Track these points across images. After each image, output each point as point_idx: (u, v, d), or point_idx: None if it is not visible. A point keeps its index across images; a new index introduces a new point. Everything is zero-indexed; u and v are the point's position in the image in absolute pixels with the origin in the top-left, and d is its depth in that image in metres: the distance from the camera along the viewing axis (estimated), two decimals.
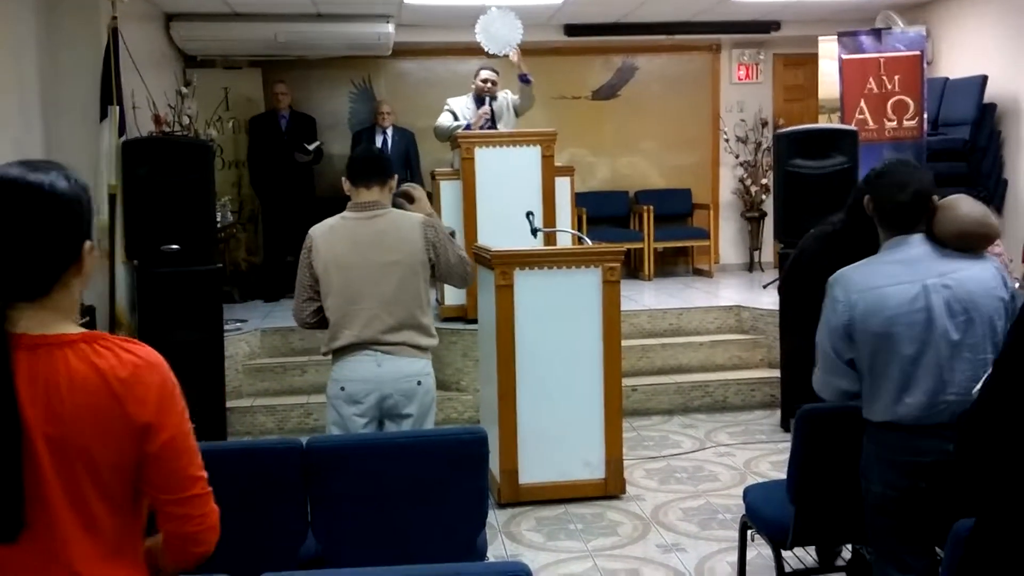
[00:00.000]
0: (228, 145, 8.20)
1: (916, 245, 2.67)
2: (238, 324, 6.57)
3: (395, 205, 3.62)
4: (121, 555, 1.62)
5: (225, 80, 8.40)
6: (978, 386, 2.04)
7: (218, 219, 6.91)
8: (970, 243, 2.65)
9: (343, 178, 3.55)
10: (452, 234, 3.66)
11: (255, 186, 8.11)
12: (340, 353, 3.43)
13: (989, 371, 2.02)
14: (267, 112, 8.12)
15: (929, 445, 2.58)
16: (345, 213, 3.51)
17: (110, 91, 5.56)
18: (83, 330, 1.60)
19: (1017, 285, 5.66)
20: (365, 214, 3.46)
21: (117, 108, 5.58)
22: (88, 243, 1.60)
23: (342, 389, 3.41)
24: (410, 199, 3.69)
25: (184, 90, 7.07)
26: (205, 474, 1.68)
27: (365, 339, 3.38)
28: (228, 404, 5.70)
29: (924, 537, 2.65)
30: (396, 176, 3.59)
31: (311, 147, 7.80)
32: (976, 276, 2.60)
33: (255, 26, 7.75)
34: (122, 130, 5.63)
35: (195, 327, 5.37)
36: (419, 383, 3.43)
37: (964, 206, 2.67)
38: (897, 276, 2.63)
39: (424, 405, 3.46)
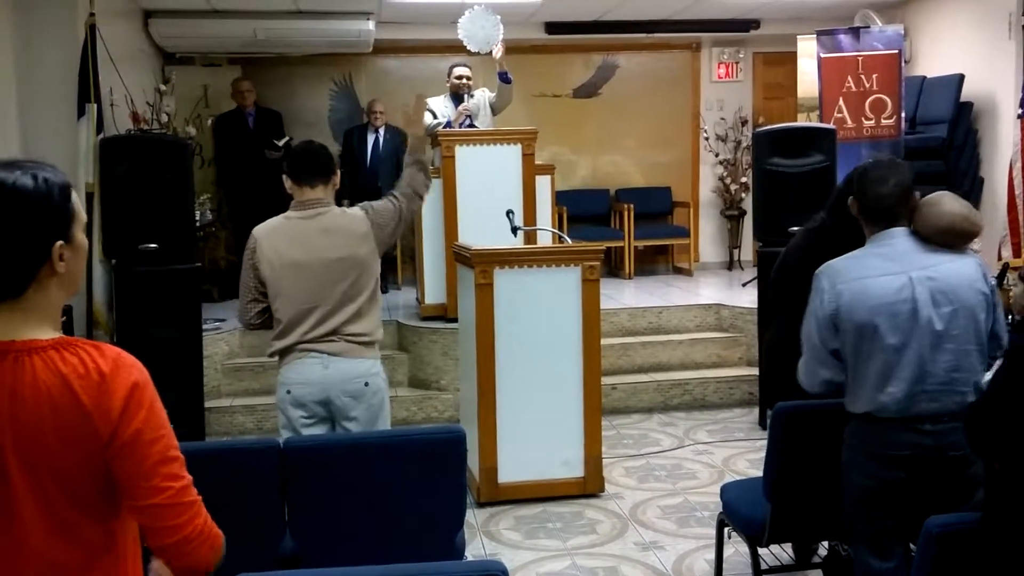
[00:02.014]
0: (207, 143, 8.14)
1: (900, 239, 2.71)
2: (217, 323, 6.54)
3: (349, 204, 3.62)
4: (101, 563, 1.59)
5: (204, 77, 8.35)
6: (989, 375, 2.05)
7: (197, 217, 6.88)
8: (953, 239, 2.70)
9: (283, 176, 3.47)
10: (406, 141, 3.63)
11: (223, 185, 8.01)
12: (286, 354, 3.36)
13: (997, 363, 2.04)
14: (233, 110, 7.98)
15: (907, 438, 2.62)
16: (288, 213, 3.44)
17: (88, 88, 5.51)
18: (56, 335, 1.57)
19: (994, 281, 5.73)
20: (309, 212, 3.39)
21: (95, 106, 5.54)
22: (59, 243, 1.55)
23: (288, 392, 3.34)
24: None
25: (163, 87, 7.03)
26: (187, 480, 1.62)
27: (312, 339, 3.31)
28: (207, 404, 5.67)
29: (904, 527, 2.68)
30: (339, 173, 3.52)
31: (280, 143, 7.72)
32: (959, 270, 2.65)
33: (234, 23, 7.70)
34: (100, 128, 5.59)
35: (173, 326, 5.34)
36: (366, 384, 3.35)
37: (947, 203, 2.72)
38: (882, 268, 2.67)
39: (373, 406, 3.37)
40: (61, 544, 1.55)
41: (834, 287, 2.70)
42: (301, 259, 3.34)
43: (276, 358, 3.45)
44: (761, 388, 5.83)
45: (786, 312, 3.62)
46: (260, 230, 3.43)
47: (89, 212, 5.47)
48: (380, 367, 3.45)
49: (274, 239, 3.39)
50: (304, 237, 3.37)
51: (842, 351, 2.73)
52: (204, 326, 5.75)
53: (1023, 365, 1.81)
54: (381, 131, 8.07)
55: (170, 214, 5.29)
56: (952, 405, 2.59)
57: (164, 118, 6.74)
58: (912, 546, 2.60)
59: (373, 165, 7.91)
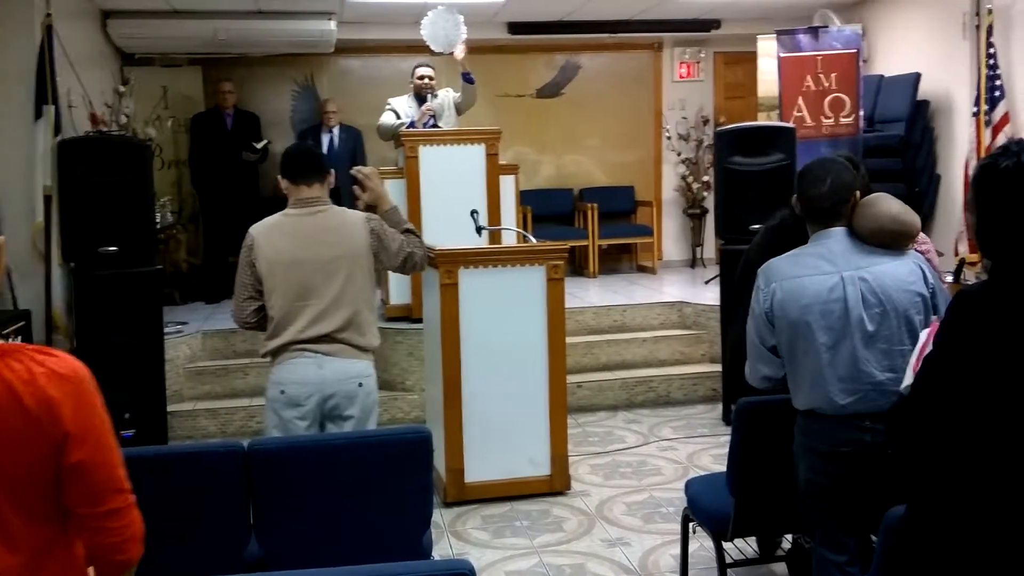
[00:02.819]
0: (167, 144, 8.07)
1: (837, 239, 2.76)
2: (179, 327, 6.48)
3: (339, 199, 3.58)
4: (42, 567, 1.58)
5: (164, 78, 8.26)
6: (906, 381, 2.10)
7: (158, 220, 6.81)
8: (886, 239, 2.73)
9: (279, 177, 3.48)
10: (395, 209, 3.60)
11: (197, 185, 7.97)
12: (279, 353, 3.35)
13: (916, 367, 2.08)
14: (211, 110, 7.98)
15: (847, 435, 2.67)
16: (287, 210, 3.45)
17: (45, 90, 5.45)
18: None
19: (949, 279, 5.80)
20: (307, 210, 3.41)
21: (52, 107, 5.48)
22: None
23: (282, 392, 3.33)
24: (363, 187, 3.56)
25: (122, 89, 6.96)
26: (128, 485, 1.65)
27: (306, 339, 3.31)
28: (169, 408, 5.62)
29: (854, 519, 2.73)
30: (333, 172, 3.53)
31: (259, 145, 7.70)
32: (892, 271, 2.68)
33: (194, 23, 7.63)
34: (58, 130, 5.53)
35: (134, 330, 5.28)
36: (360, 384, 3.38)
37: (882, 204, 2.76)
38: (817, 267, 2.72)
39: (366, 407, 3.40)
40: (2, 549, 1.54)
41: (768, 285, 2.77)
42: (298, 256, 3.34)
43: (268, 359, 3.43)
44: (724, 384, 5.89)
45: (747, 310, 3.67)
46: (257, 228, 3.44)
47: (47, 215, 5.41)
48: (373, 370, 3.47)
49: (272, 236, 3.39)
50: (302, 234, 3.38)
51: (779, 348, 2.79)
52: (166, 329, 5.70)
53: (941, 367, 1.84)
54: (335, 131, 8.05)
55: (130, 217, 5.24)
56: (888, 405, 2.61)
57: (123, 119, 6.68)
58: (873, 538, 2.65)
59: (329, 164, 7.86)
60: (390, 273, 6.31)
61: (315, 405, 3.33)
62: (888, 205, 2.76)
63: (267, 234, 3.40)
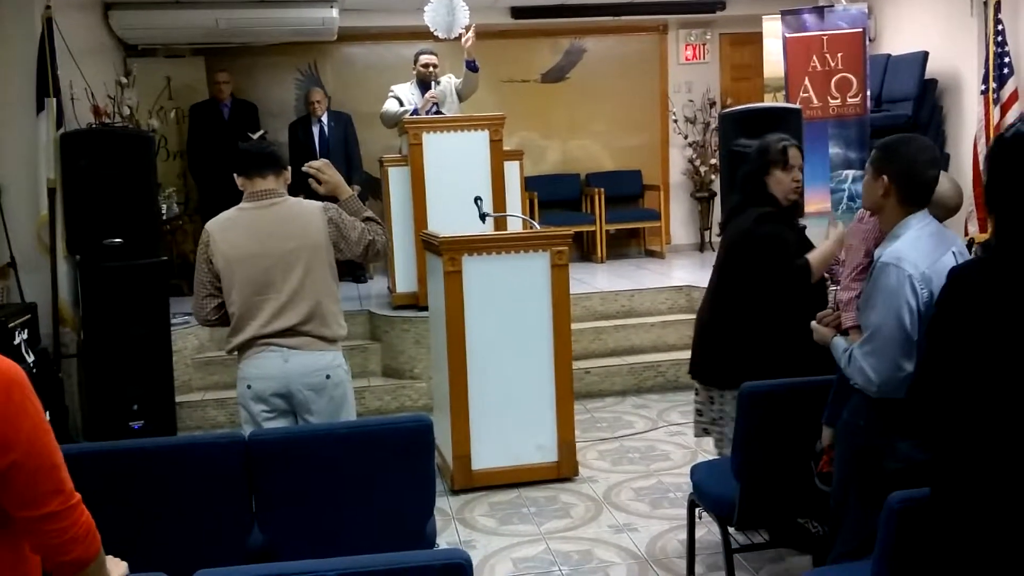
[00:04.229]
0: (172, 135, 8.05)
1: (928, 217, 2.63)
2: (186, 317, 6.46)
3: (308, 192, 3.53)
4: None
5: (167, 69, 8.24)
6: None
7: (163, 211, 6.82)
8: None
9: (235, 175, 3.42)
10: (361, 196, 3.54)
11: (195, 176, 7.93)
12: (244, 349, 3.31)
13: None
14: (208, 100, 7.94)
15: None
16: (242, 204, 3.39)
17: (46, 83, 5.43)
18: None
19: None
20: (263, 203, 3.35)
21: (54, 100, 5.46)
22: None
23: (249, 387, 3.30)
24: (318, 180, 3.49)
25: (124, 80, 6.93)
26: (68, 485, 1.62)
27: (270, 333, 3.26)
28: (177, 399, 5.63)
29: None
30: (289, 168, 3.46)
31: (255, 136, 7.67)
32: (962, 246, 2.66)
33: (196, 13, 7.60)
34: (60, 122, 5.51)
35: (141, 321, 5.30)
36: (328, 376, 3.31)
37: (942, 180, 2.74)
38: (938, 247, 2.57)
39: (335, 399, 3.34)
40: None
41: (921, 274, 2.51)
42: (255, 249, 3.29)
43: (235, 354, 3.40)
44: None
45: (730, 293, 3.66)
46: (213, 223, 3.40)
47: (51, 208, 5.40)
48: (342, 359, 3.42)
49: (228, 231, 3.35)
50: (258, 227, 3.33)
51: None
52: (173, 320, 5.70)
53: (945, 347, 1.81)
54: (324, 119, 7.96)
55: (134, 208, 5.25)
56: None
57: (126, 111, 6.65)
58: None
59: (323, 154, 7.81)
60: (396, 262, 6.35)
61: (282, 399, 3.30)
62: (946, 181, 2.76)
63: (222, 229, 3.35)
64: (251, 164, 3.39)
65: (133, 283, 5.27)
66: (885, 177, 2.59)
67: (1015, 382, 1.73)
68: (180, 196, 7.80)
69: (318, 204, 3.42)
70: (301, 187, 3.58)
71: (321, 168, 3.51)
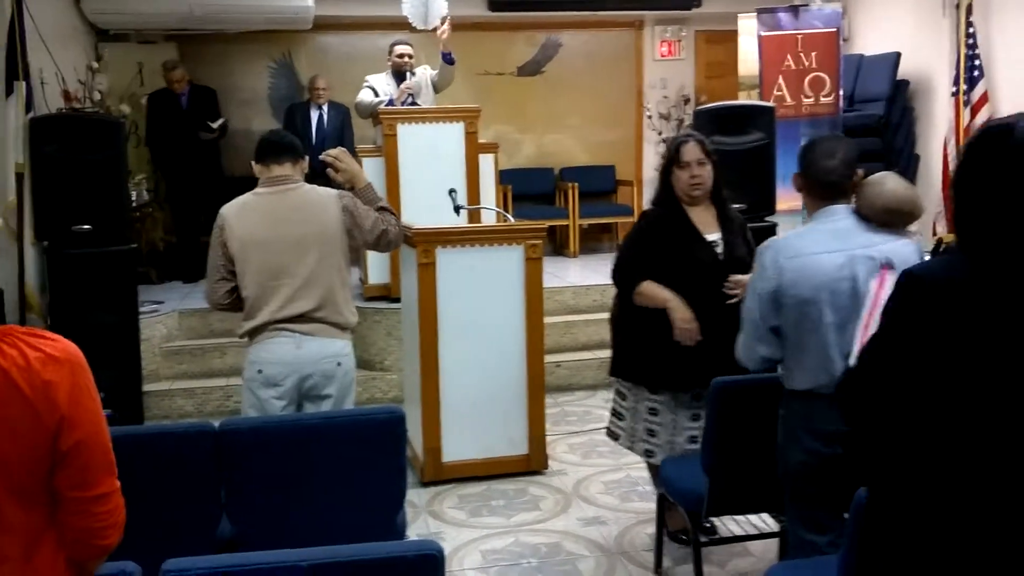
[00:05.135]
0: (143, 121, 7.94)
1: (843, 216, 2.73)
2: (155, 306, 6.43)
3: (318, 180, 3.55)
4: (37, 552, 1.58)
5: (140, 55, 8.14)
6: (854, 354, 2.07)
7: (133, 198, 6.74)
8: (894, 219, 2.73)
9: (252, 162, 3.44)
10: (370, 186, 3.56)
11: (159, 165, 7.79)
12: (257, 333, 3.32)
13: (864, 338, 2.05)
14: (165, 89, 7.72)
15: None
16: (257, 189, 3.41)
17: (16, 66, 5.34)
18: None
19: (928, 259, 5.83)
20: (278, 188, 3.37)
21: (24, 84, 5.38)
22: None
23: (259, 372, 3.31)
24: (335, 169, 3.52)
25: (95, 65, 6.86)
26: (116, 470, 1.65)
27: (283, 318, 3.28)
28: (145, 388, 5.59)
29: (840, 500, 2.72)
30: (307, 159, 3.49)
31: (215, 124, 7.55)
32: (898, 250, 2.66)
33: None
34: (29, 107, 5.43)
35: (109, 309, 5.24)
36: (339, 364, 3.36)
37: (889, 183, 2.76)
38: (826, 244, 2.69)
39: (344, 386, 3.39)
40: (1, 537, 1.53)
41: (776, 263, 2.71)
42: (270, 234, 3.30)
43: (246, 339, 3.40)
44: None
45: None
46: (228, 208, 3.40)
47: (20, 193, 5.32)
48: (351, 349, 3.45)
49: (243, 215, 3.36)
50: (274, 212, 3.34)
51: (783, 328, 2.74)
52: (141, 309, 5.65)
53: (897, 349, 1.81)
54: (325, 107, 7.94)
55: (104, 195, 5.18)
56: None
57: (97, 96, 6.58)
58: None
59: (319, 143, 7.78)
60: (369, 252, 6.32)
61: (293, 385, 3.32)
62: (896, 185, 2.76)
63: (238, 214, 3.36)
64: (268, 151, 3.40)
65: (101, 270, 5.21)
66: (798, 175, 2.81)
67: (971, 382, 1.74)
68: (150, 183, 7.72)
69: (333, 192, 3.43)
70: (316, 178, 3.60)
71: (339, 156, 3.54)
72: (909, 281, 1.81)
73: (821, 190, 2.76)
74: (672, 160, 3.62)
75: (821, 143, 2.81)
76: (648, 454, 3.70)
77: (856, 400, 1.94)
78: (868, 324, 2.01)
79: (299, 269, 3.30)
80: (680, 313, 3.46)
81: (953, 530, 1.75)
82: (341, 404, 3.40)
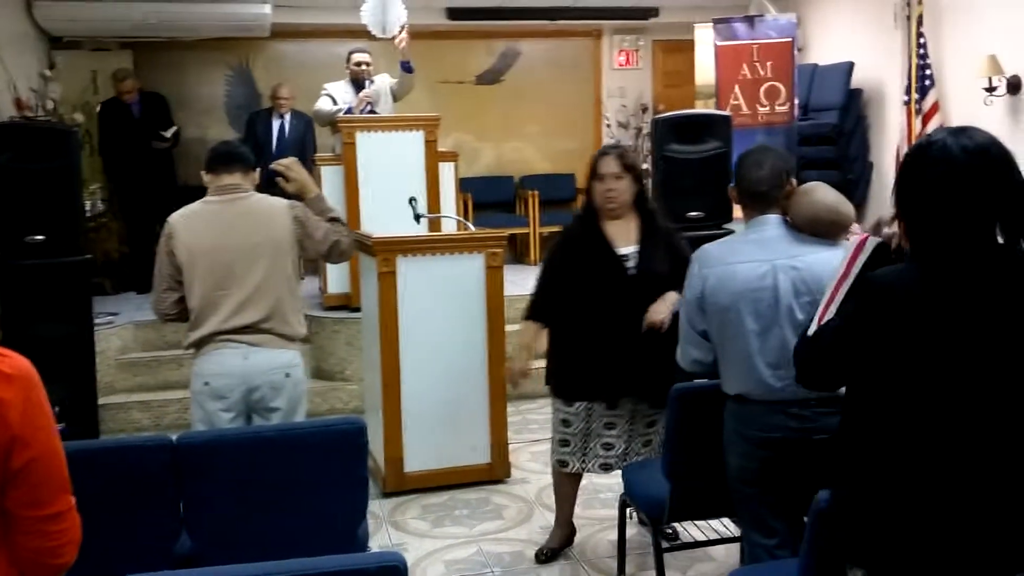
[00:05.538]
0: (97, 130, 7.84)
1: (772, 227, 2.79)
2: (109, 317, 6.33)
3: (273, 190, 3.52)
4: None
5: (93, 62, 8.03)
6: (813, 326, 2.09)
7: (87, 208, 6.64)
8: (821, 229, 2.76)
9: (202, 172, 3.40)
10: (320, 197, 3.54)
11: (110, 175, 7.63)
12: (203, 344, 3.27)
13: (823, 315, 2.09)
14: (116, 97, 7.58)
15: (776, 421, 2.70)
16: (207, 198, 3.36)
17: None
18: None
19: None
20: (227, 196, 3.33)
21: None
22: None
23: (206, 384, 3.26)
24: (286, 178, 3.49)
25: (48, 73, 6.76)
26: (70, 487, 1.62)
27: (230, 328, 3.23)
28: (100, 400, 5.48)
29: (784, 504, 2.76)
30: (258, 169, 3.46)
31: (168, 133, 7.44)
32: (825, 260, 2.68)
33: (124, 6, 7.43)
34: None
35: (63, 321, 5.13)
36: (287, 375, 3.31)
37: (818, 193, 2.79)
38: (749, 254, 2.75)
39: (293, 398, 3.34)
40: None
41: (701, 271, 2.80)
42: (218, 243, 3.26)
43: (192, 350, 3.35)
44: None
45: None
46: (176, 216, 3.35)
47: None
48: (300, 360, 3.40)
49: (191, 224, 3.31)
50: (223, 221, 3.30)
51: (709, 333, 2.82)
52: (96, 320, 5.55)
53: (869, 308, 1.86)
54: (287, 116, 7.81)
55: (57, 204, 5.07)
56: (816, 392, 2.66)
57: (50, 105, 6.48)
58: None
59: (279, 152, 7.70)
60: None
61: (240, 397, 3.27)
62: (824, 194, 2.79)
63: (186, 222, 3.31)
64: (218, 160, 3.37)
65: (55, 281, 5.10)
66: (732, 186, 2.88)
67: (922, 383, 1.80)
68: (104, 193, 7.61)
69: (284, 201, 3.40)
70: (268, 187, 3.56)
71: (289, 166, 3.50)
72: (867, 287, 1.87)
73: (751, 200, 2.82)
74: (589, 173, 3.65)
75: (750, 155, 2.86)
76: (561, 464, 3.73)
77: (810, 373, 2.10)
78: (838, 289, 2.04)
79: (248, 279, 3.25)
80: (513, 361, 3.76)
81: (913, 523, 1.81)
82: (291, 417, 3.34)
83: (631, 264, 3.55)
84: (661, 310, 3.42)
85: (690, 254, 3.53)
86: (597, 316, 3.54)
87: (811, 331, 2.07)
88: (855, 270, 2.03)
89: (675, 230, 3.76)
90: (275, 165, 3.51)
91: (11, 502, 1.55)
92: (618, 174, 3.58)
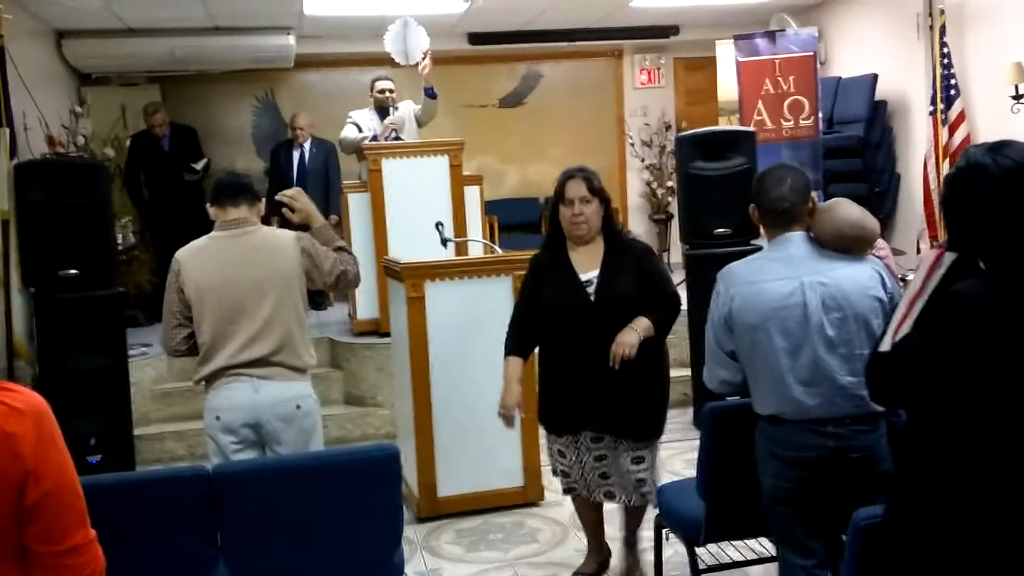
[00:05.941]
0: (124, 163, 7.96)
1: (797, 244, 2.77)
2: (143, 349, 6.40)
3: (279, 222, 3.52)
4: None
5: (122, 97, 8.17)
6: (885, 345, 2.05)
7: (119, 240, 6.73)
8: (846, 245, 2.74)
9: (207, 204, 3.42)
10: (338, 224, 3.55)
11: (137, 206, 7.69)
12: (213, 379, 3.28)
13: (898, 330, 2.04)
14: (146, 131, 7.66)
15: (810, 440, 2.66)
16: (213, 233, 3.38)
17: None
18: None
19: (911, 276, 5.88)
20: (234, 231, 3.33)
21: (7, 130, 5.38)
22: None
23: (217, 419, 3.27)
24: (291, 209, 3.49)
25: (78, 109, 6.88)
26: (87, 520, 1.62)
27: (240, 363, 3.23)
28: (136, 432, 5.52)
29: (821, 523, 2.73)
30: (264, 200, 3.46)
31: (198, 165, 7.53)
32: (852, 275, 2.68)
33: (151, 41, 7.56)
34: (13, 153, 5.43)
35: (98, 353, 5.19)
36: (298, 407, 3.30)
37: (842, 209, 2.78)
38: (776, 272, 2.73)
39: (304, 429, 3.32)
40: None
41: (728, 290, 2.77)
42: (226, 278, 3.27)
43: (203, 384, 3.36)
44: (694, 388, 5.90)
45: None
46: (184, 252, 3.37)
47: (5, 240, 5.31)
48: (311, 390, 3.40)
49: (199, 260, 3.32)
50: (229, 256, 3.30)
51: (738, 353, 2.79)
52: (130, 352, 5.61)
53: (951, 322, 1.84)
54: (306, 146, 7.83)
55: (89, 239, 5.15)
56: (851, 409, 2.63)
57: (81, 140, 6.59)
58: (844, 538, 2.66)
59: (300, 180, 7.77)
60: (357, 288, 6.30)
61: (251, 430, 3.27)
62: (848, 210, 2.78)
63: (194, 258, 3.33)
64: (224, 193, 3.38)
65: (89, 315, 5.17)
66: (753, 206, 2.84)
67: (1003, 396, 1.77)
68: (136, 226, 7.71)
69: (291, 234, 3.41)
70: (274, 214, 3.57)
71: (294, 196, 3.50)
72: (955, 301, 1.85)
73: (773, 218, 2.80)
74: (558, 196, 3.58)
75: (770, 173, 2.84)
76: (570, 491, 3.72)
77: (886, 390, 2.04)
78: (912, 305, 1.99)
79: (257, 313, 3.25)
80: (502, 398, 3.60)
81: (984, 548, 1.78)
82: (304, 448, 3.32)
83: (591, 290, 3.47)
84: (627, 341, 3.33)
85: (665, 275, 3.54)
86: (562, 345, 3.51)
87: (883, 347, 2.01)
88: (931, 285, 1.97)
89: (647, 251, 3.64)
90: (280, 196, 3.50)
91: (29, 538, 1.55)
92: (586, 197, 3.50)
